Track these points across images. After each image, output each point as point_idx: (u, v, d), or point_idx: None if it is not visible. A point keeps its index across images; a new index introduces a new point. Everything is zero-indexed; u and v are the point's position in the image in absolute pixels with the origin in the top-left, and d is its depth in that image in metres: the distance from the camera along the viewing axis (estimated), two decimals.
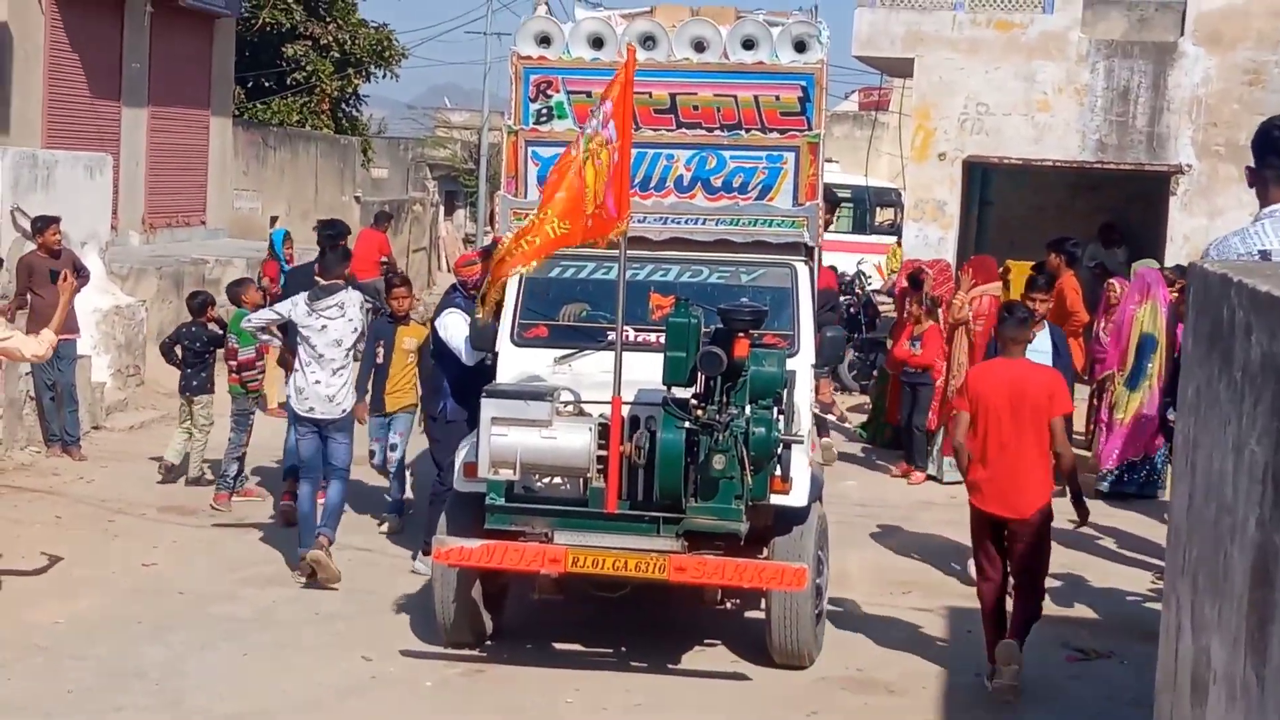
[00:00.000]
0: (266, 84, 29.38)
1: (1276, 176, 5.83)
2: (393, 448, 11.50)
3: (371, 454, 11.64)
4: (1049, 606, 9.67)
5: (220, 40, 23.73)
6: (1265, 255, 5.66)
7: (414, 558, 10.35)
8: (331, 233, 12.17)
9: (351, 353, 10.39)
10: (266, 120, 28.19)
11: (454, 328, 9.99)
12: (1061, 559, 11.09)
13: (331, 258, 10.73)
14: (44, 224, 13.34)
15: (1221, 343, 4.12)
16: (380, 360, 11.44)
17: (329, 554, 9.84)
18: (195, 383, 12.49)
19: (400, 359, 11.48)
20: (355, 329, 10.24)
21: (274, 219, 25.45)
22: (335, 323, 10.11)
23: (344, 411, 10.21)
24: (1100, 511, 12.47)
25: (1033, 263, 14.12)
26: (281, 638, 8.84)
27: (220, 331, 12.58)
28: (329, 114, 30.51)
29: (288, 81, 29.43)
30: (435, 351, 10.32)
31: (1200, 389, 4.51)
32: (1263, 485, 3.44)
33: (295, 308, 10.17)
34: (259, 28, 27.97)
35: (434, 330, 10.37)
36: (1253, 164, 5.94)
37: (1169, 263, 17.04)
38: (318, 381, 10.07)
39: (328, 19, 29.85)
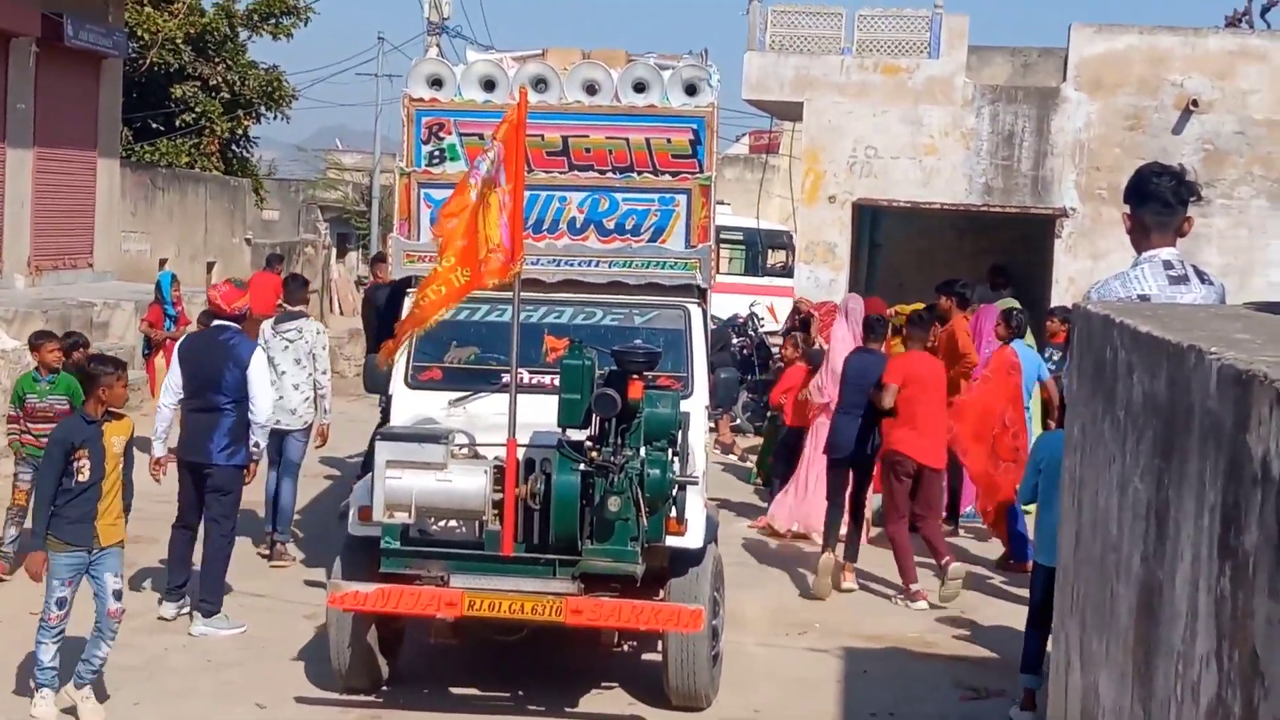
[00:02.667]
0: (155, 125, 29.12)
1: (1156, 222, 5.96)
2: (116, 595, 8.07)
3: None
4: (942, 645, 9.79)
5: (107, 80, 23.48)
6: (1145, 299, 5.78)
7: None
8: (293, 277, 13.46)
9: (310, 373, 11.79)
10: (155, 161, 27.93)
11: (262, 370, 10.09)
12: (957, 599, 11.24)
13: (294, 286, 12.57)
14: None
15: (1105, 382, 4.21)
16: (85, 477, 7.96)
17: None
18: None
19: (113, 469, 8.14)
20: (310, 350, 11.81)
21: (163, 261, 25.19)
22: (296, 343, 11.76)
23: (305, 422, 11.82)
24: (992, 549, 12.64)
25: (921, 305, 14.29)
26: (174, 686, 8.71)
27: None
28: (219, 155, 30.28)
29: (176, 123, 29.17)
30: None
31: (1085, 427, 4.61)
32: (1146, 521, 3.52)
33: (262, 332, 11.55)
34: (146, 68, 27.72)
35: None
36: (1128, 210, 6.06)
37: (1054, 304, 17.37)
38: (280, 397, 11.21)
39: (217, 60, 29.67)
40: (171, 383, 10.04)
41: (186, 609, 9.98)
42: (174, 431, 10.11)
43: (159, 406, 10.42)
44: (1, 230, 18.24)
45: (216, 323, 10.26)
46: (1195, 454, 3.04)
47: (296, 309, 12.15)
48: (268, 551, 11.66)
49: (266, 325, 11.75)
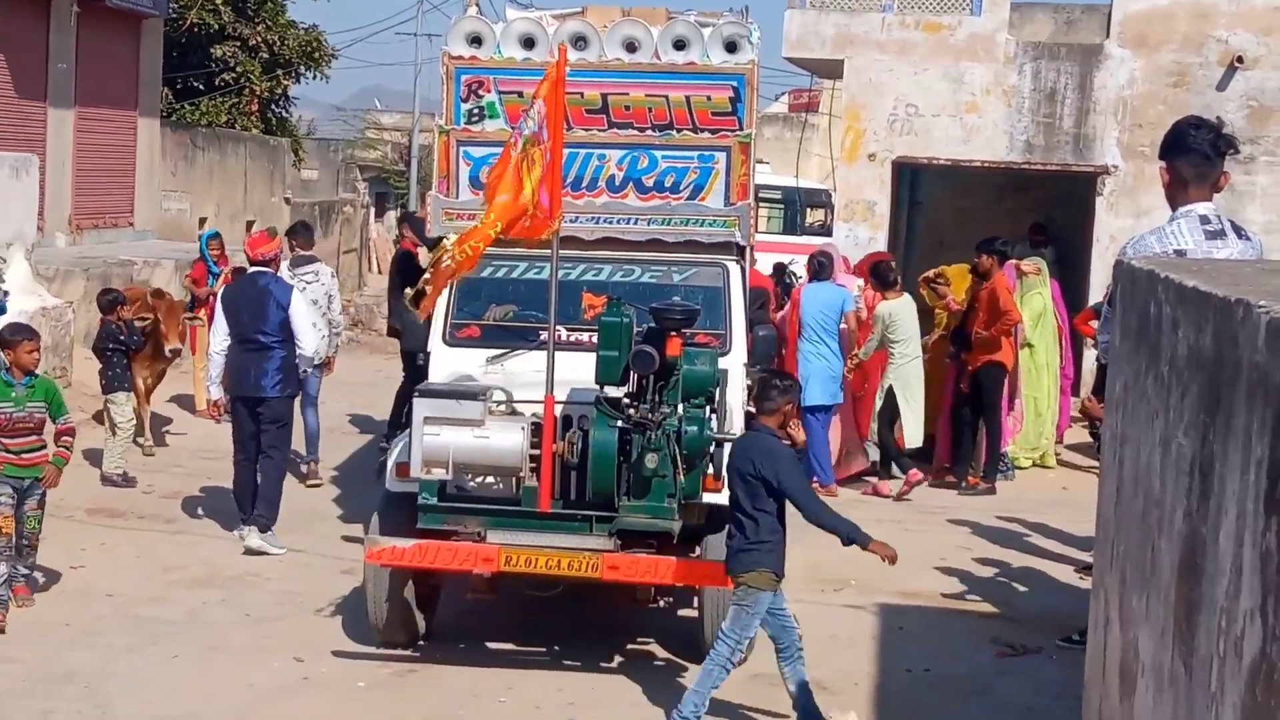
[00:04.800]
0: (195, 85, 29.13)
1: (1194, 175, 5.90)
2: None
3: None
4: (979, 602, 9.76)
5: (148, 40, 23.51)
6: (1180, 254, 5.73)
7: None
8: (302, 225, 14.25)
9: (324, 313, 12.62)
10: (195, 121, 27.95)
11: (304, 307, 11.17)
12: (989, 554, 11.22)
13: (303, 232, 13.48)
14: None
15: (1148, 338, 4.16)
16: None
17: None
18: (115, 382, 12.47)
19: None
20: (327, 292, 12.77)
21: (203, 220, 25.25)
22: (312, 285, 12.58)
23: (321, 358, 12.45)
24: (1027, 506, 12.60)
25: (966, 266, 14.22)
26: (211, 640, 8.77)
27: (139, 327, 12.89)
28: (258, 115, 30.28)
29: (216, 82, 29.18)
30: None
31: (1128, 384, 4.56)
32: (1190, 477, 3.49)
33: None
34: (187, 28, 27.72)
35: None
36: (1165, 164, 6.00)
37: (1095, 263, 17.26)
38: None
39: (256, 20, 29.62)
40: (219, 328, 10.86)
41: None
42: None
43: (211, 354, 11.10)
44: (43, 190, 18.29)
45: (252, 269, 11.08)
46: (1242, 408, 3.00)
47: (309, 253, 13.19)
48: (304, 473, 12.87)
49: (284, 269, 12.11)
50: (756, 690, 8.21)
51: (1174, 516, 3.65)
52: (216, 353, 10.86)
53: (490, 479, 8.36)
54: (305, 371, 11.34)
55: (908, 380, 13.21)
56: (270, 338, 10.72)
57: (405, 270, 13.90)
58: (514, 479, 8.23)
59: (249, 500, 10.83)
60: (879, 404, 13.29)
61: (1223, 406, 3.19)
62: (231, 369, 10.78)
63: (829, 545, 11.36)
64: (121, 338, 12.64)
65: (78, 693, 7.78)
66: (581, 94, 9.43)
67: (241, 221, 26.37)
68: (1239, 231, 5.86)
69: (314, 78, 31.83)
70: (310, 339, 11.01)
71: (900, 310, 13.25)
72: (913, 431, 13.27)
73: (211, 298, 15.80)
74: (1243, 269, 4.30)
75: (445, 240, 8.15)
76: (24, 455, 8.96)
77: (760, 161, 16.36)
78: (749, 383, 9.21)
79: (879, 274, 13.40)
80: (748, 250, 9.91)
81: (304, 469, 12.92)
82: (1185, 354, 3.63)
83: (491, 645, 8.85)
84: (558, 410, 8.16)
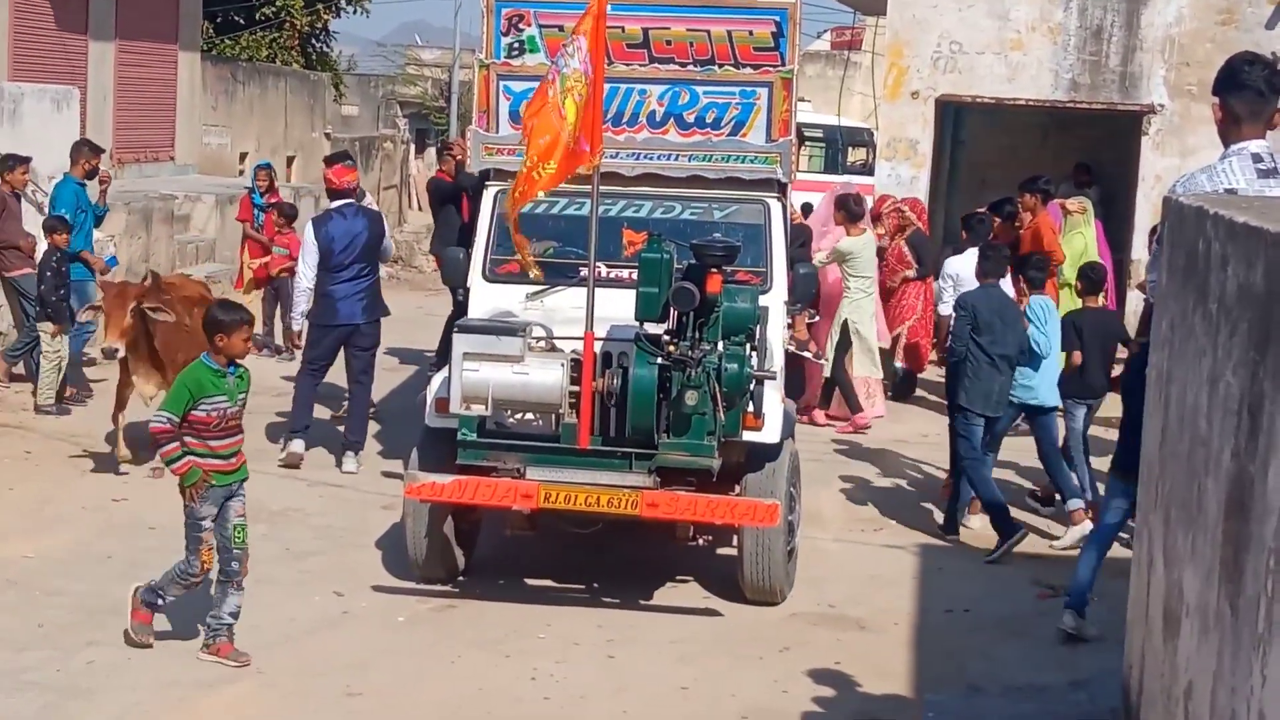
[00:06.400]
0: (236, 18, 29.07)
1: (1248, 112, 5.82)
2: None
3: None
4: (1021, 543, 9.72)
5: None
6: (1231, 193, 5.65)
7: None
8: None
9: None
10: (235, 56, 27.91)
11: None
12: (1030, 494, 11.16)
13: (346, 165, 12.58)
14: (13, 163, 13.21)
15: (1197, 276, 4.11)
16: None
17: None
18: (49, 311, 12.39)
19: None
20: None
21: (243, 155, 25.26)
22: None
23: None
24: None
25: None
26: (253, 574, 8.74)
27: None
28: (299, 50, 30.21)
29: (256, 16, 29.11)
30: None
31: (1174, 322, 4.51)
32: (1238, 416, 3.45)
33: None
34: None
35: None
36: (1218, 101, 5.91)
37: (1140, 203, 17.11)
38: None
39: None
40: (309, 260, 11.09)
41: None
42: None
43: (301, 289, 11.28)
44: (84, 123, 18.30)
45: (337, 202, 11.32)
46: None
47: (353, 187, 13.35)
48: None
49: (328, 205, 12.10)
50: (791, 631, 8.23)
51: (1221, 455, 3.61)
52: (308, 282, 11.12)
53: (529, 415, 8.36)
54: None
55: (862, 315, 13.38)
56: (364, 265, 11.20)
57: (439, 192, 14.07)
58: (553, 416, 8.22)
59: (305, 414, 11.29)
60: (835, 337, 13.39)
61: (1273, 343, 3.15)
62: (321, 298, 11.11)
63: (863, 485, 11.41)
64: (55, 263, 12.33)
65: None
66: (623, 28, 9.35)
67: (282, 156, 26.37)
68: None
69: (354, 12, 31.71)
70: (390, 245, 11.92)
71: (861, 247, 13.29)
72: (863, 365, 13.51)
73: (250, 240, 15.95)
74: None
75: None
76: (232, 458, 7.46)
77: (802, 99, 16.23)
78: (789, 320, 9.17)
79: (846, 207, 13.39)
80: (788, 187, 9.84)
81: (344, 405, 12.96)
82: (1235, 291, 3.58)
83: (530, 581, 8.87)
84: (597, 347, 8.13)
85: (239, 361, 7.47)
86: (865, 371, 13.60)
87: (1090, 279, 11.03)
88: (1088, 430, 10.64)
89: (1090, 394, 10.54)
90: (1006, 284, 10.87)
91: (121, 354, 10.36)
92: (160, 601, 7.55)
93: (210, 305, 8.06)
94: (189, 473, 7.26)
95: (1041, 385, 10.26)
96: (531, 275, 8.55)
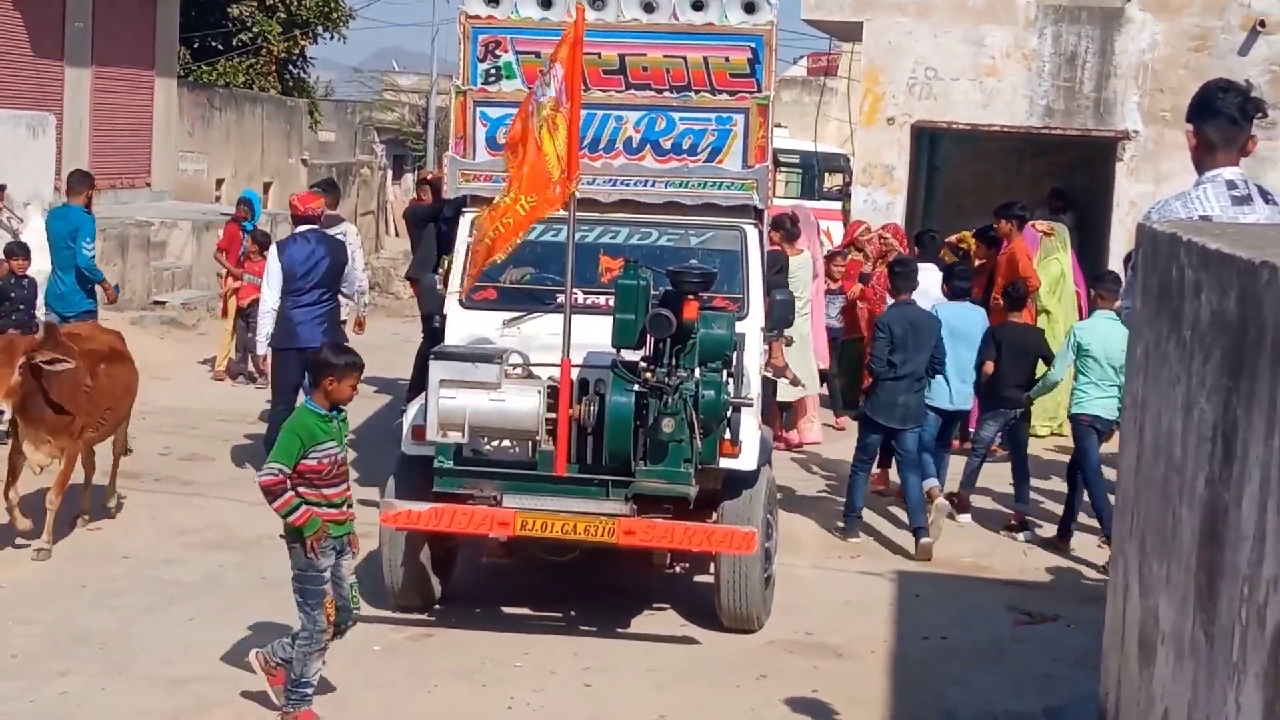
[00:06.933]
0: (213, 44, 29.05)
1: (1221, 139, 5.82)
2: None
3: None
4: (996, 569, 9.72)
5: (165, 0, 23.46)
6: (1206, 220, 5.66)
7: None
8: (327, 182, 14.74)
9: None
10: (212, 82, 27.89)
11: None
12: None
13: (330, 191, 13.67)
14: None
15: (1170, 302, 4.12)
16: None
17: None
18: None
19: None
20: (351, 251, 12.27)
21: (220, 181, 25.23)
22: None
23: (345, 315, 12.56)
24: (1043, 473, 12.55)
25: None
26: (228, 602, 8.77)
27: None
28: (275, 75, 30.21)
29: (234, 42, 29.10)
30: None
31: (1149, 349, 4.52)
32: (1212, 443, 3.45)
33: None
34: None
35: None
36: (1192, 128, 5.92)
37: (1115, 228, 17.16)
38: None
39: None
40: (274, 284, 11.28)
41: None
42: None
43: (264, 312, 11.46)
44: (60, 149, 18.27)
45: (300, 227, 11.54)
46: (1267, 371, 2.96)
47: (335, 213, 13.47)
48: None
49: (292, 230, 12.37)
50: (768, 658, 8.21)
51: (1195, 482, 3.61)
52: (272, 308, 11.28)
53: (506, 442, 8.33)
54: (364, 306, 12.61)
55: (802, 332, 13.37)
56: (324, 290, 11.38)
57: (417, 217, 14.13)
58: (530, 442, 8.20)
59: None
60: None
61: (1246, 370, 3.15)
62: (282, 322, 11.27)
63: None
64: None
65: (94, 653, 7.79)
66: (599, 54, 9.36)
67: (259, 182, 26.34)
68: (1266, 197, 5.78)
69: (331, 38, 31.75)
70: (361, 277, 12.36)
71: (797, 266, 13.32)
72: (804, 380, 13.58)
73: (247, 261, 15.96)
74: (1267, 232, 4.24)
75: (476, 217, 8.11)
76: (344, 507, 7.11)
77: (778, 125, 16.28)
78: (765, 347, 9.16)
79: (783, 227, 13.42)
80: (764, 214, 9.84)
81: None
82: (1208, 318, 3.58)
83: (507, 610, 8.84)
84: (574, 374, 8.12)
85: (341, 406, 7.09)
86: (807, 388, 13.63)
87: (1011, 296, 11.76)
88: (995, 440, 11.67)
89: (1006, 405, 11.18)
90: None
91: (8, 415, 8.93)
92: (302, 679, 7.08)
93: (323, 346, 7.85)
94: (309, 522, 6.85)
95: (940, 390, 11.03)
96: (498, 260, 8.37)
